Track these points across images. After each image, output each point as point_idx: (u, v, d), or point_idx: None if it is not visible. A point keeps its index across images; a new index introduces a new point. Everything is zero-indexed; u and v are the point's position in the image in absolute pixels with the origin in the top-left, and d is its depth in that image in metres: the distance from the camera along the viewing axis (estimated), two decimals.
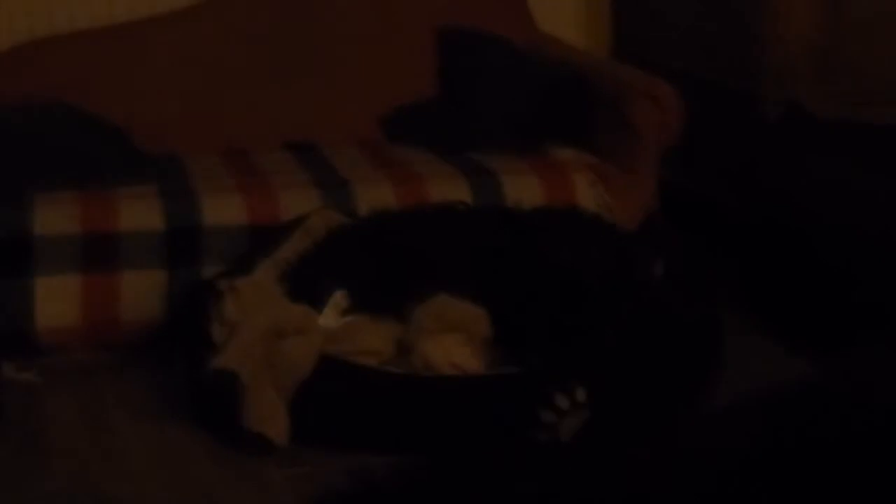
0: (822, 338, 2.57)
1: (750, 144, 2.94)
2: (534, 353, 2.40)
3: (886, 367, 1.97)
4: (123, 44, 3.08)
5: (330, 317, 2.42)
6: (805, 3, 3.08)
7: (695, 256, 2.69)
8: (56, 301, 2.62)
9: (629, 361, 2.44)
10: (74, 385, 2.54)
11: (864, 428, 1.71)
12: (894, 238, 2.67)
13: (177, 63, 3.02)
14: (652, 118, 2.78)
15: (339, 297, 2.41)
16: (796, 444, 1.62)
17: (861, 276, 2.73)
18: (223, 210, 2.62)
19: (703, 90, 2.98)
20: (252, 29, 3.16)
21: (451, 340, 2.45)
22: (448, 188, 2.70)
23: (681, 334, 2.50)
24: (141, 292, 2.64)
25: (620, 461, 1.88)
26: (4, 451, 2.30)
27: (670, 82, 2.93)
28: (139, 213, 2.64)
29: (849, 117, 2.90)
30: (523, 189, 2.74)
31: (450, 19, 3.12)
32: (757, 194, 2.86)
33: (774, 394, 1.83)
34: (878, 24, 3.15)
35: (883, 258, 2.70)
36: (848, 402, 1.79)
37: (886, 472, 1.50)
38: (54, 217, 2.62)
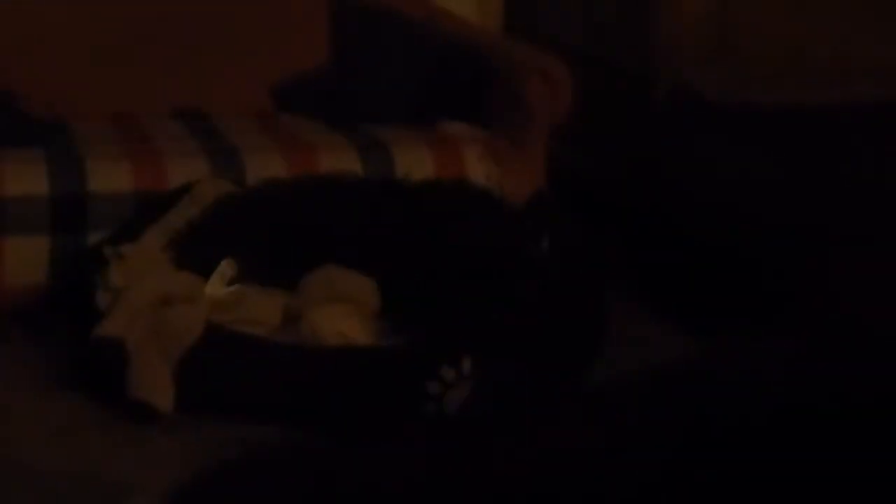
0: (705, 318, 2.60)
1: (638, 124, 2.95)
2: (421, 326, 2.39)
3: (770, 350, 1.98)
4: (14, 9, 2.93)
5: (217, 285, 2.41)
6: None
7: (581, 234, 2.67)
8: None
9: (515, 335, 2.43)
10: None
11: (749, 408, 1.74)
12: (778, 219, 2.65)
13: (67, 29, 2.99)
14: (542, 95, 2.81)
15: (225, 266, 2.41)
16: (680, 420, 1.64)
17: (745, 258, 2.75)
18: (110, 176, 2.62)
19: (595, 68, 2.96)
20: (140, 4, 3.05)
21: (339, 311, 2.44)
22: (338, 159, 2.73)
23: (565, 309, 2.45)
24: (25, 258, 2.63)
25: (505, 435, 1.89)
26: None
27: (562, 59, 2.87)
28: (24, 178, 2.63)
29: (736, 98, 2.87)
30: (414, 162, 2.75)
31: None
32: (642, 175, 2.84)
33: (659, 371, 1.85)
34: (764, 5, 3.20)
35: (767, 239, 2.72)
36: (733, 383, 1.81)
37: (765, 451, 1.52)
38: None
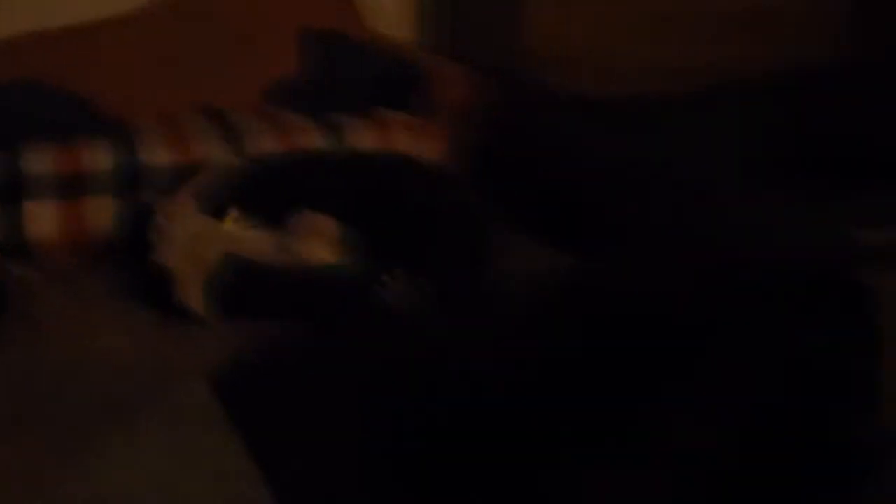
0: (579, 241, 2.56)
1: (519, 111, 2.96)
2: (369, 250, 2.47)
3: (616, 264, 2.04)
4: (86, 39, 2.99)
5: (230, 226, 2.47)
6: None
7: (479, 185, 2.70)
8: (40, 219, 2.58)
9: (433, 253, 2.45)
10: (62, 278, 2.54)
11: (605, 306, 1.82)
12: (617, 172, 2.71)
13: (125, 55, 2.99)
14: (448, 90, 2.87)
15: (234, 213, 2.46)
16: (554, 315, 1.74)
17: (593, 201, 2.66)
18: (155, 155, 2.65)
19: (490, 75, 2.98)
20: (172, 33, 3.10)
21: (317, 241, 2.51)
22: (309, 137, 2.80)
23: (468, 234, 2.52)
24: (100, 213, 2.63)
25: (434, 321, 1.98)
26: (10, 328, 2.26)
27: (462, 68, 3.01)
28: (97, 157, 2.61)
29: (584, 93, 2.94)
30: (361, 137, 2.82)
31: (305, 21, 3.11)
32: (517, 144, 2.91)
33: (537, 279, 1.93)
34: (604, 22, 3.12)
35: (608, 189, 2.66)
36: (592, 288, 1.90)
37: (620, 339, 1.61)
38: (39, 158, 2.58)
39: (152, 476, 0.92)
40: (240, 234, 2.49)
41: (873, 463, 1.82)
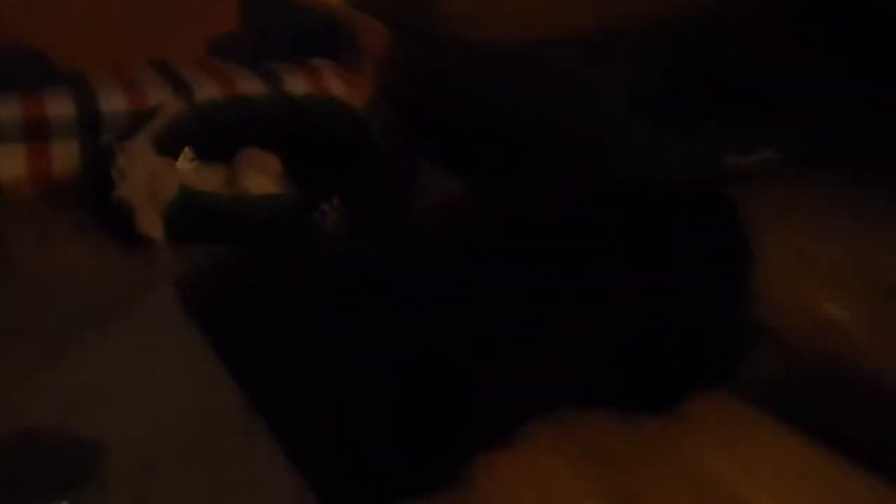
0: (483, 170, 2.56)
1: (430, 60, 2.94)
2: (309, 181, 2.50)
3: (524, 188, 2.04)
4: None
5: (183, 164, 2.48)
6: None
7: (400, 122, 2.70)
8: (10, 162, 2.53)
9: (362, 183, 2.48)
10: (29, 213, 2.53)
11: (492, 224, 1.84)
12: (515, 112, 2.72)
13: (81, 14, 2.93)
14: (371, 42, 2.87)
15: (187, 152, 2.48)
16: (458, 234, 1.75)
17: (496, 135, 2.67)
18: (113, 101, 2.63)
19: (406, 29, 2.97)
20: None
21: (259, 176, 2.54)
22: (249, 84, 2.81)
23: (391, 166, 2.55)
24: (64, 155, 2.60)
25: (356, 241, 1.99)
26: None
27: (383, 23, 2.97)
28: (60, 105, 2.59)
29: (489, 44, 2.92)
30: (296, 84, 2.81)
31: None
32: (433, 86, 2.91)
33: (448, 202, 1.94)
34: None
35: (509, 122, 2.68)
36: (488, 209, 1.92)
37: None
38: (7, 107, 2.53)
39: (129, 367, 0.94)
40: (192, 171, 2.52)
41: (736, 351, 1.85)
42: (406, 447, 1.56)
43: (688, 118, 2.81)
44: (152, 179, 2.38)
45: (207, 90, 2.73)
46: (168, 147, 2.51)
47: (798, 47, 3.12)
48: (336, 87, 2.83)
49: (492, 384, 1.63)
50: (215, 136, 2.57)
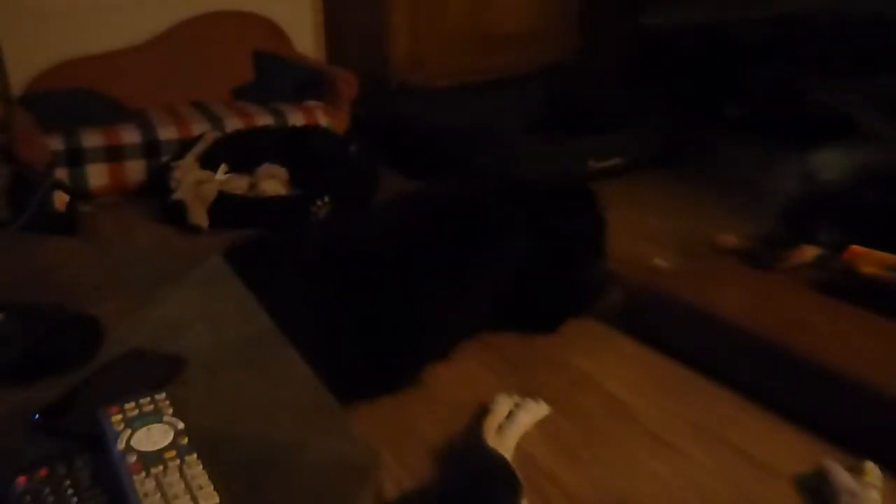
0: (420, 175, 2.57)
1: (384, 99, 2.89)
2: (308, 185, 2.50)
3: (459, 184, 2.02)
4: (115, 62, 2.87)
5: (220, 175, 2.48)
6: (404, 27, 2.99)
7: (368, 144, 2.67)
8: (96, 176, 2.49)
9: (341, 185, 2.44)
10: (112, 210, 2.50)
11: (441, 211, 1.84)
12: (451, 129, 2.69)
13: (140, 71, 2.89)
14: (346, 88, 2.85)
15: (223, 167, 2.47)
16: (412, 214, 1.76)
17: (437, 149, 2.65)
18: (168, 132, 2.61)
19: (366, 76, 2.92)
20: (170, 56, 2.99)
21: (273, 182, 2.54)
22: (263, 118, 2.75)
23: (361, 172, 2.54)
24: (135, 170, 2.55)
25: (346, 221, 1.98)
26: (83, 241, 2.19)
27: (352, 73, 2.92)
28: (130, 135, 2.55)
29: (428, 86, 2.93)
30: (296, 118, 2.78)
31: (255, 46, 3.04)
32: (387, 119, 2.90)
33: (404, 195, 1.96)
34: (436, 42, 3.02)
35: (445, 140, 2.67)
36: (433, 200, 1.92)
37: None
38: (93, 138, 2.48)
39: (195, 307, 0.95)
40: (226, 180, 2.51)
41: (597, 291, 1.89)
42: (378, 359, 1.55)
43: (562, 136, 2.89)
44: (198, 186, 2.36)
45: (234, 123, 2.69)
46: (209, 163, 2.50)
47: (632, 88, 3.20)
48: (323, 119, 2.80)
49: (434, 316, 1.62)
50: (241, 155, 2.56)
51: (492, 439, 1.38)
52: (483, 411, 1.50)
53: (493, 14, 3.11)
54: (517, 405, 1.50)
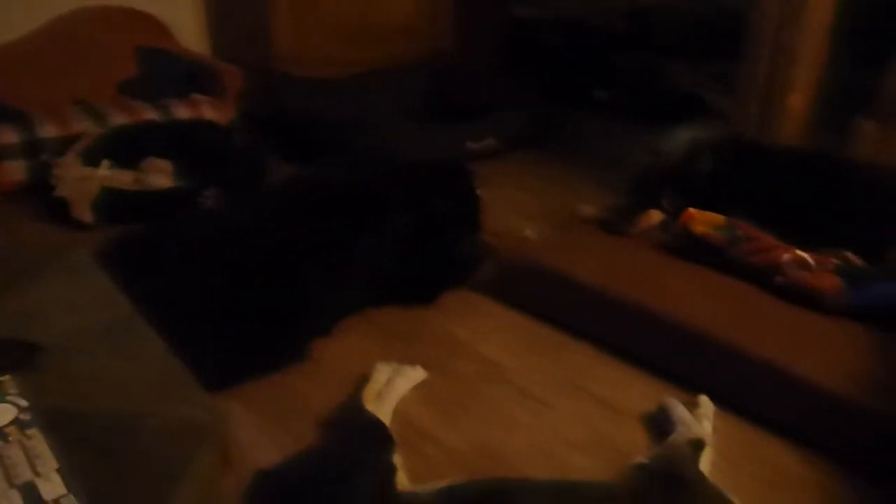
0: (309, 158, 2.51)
1: (269, 93, 2.85)
2: (195, 177, 2.43)
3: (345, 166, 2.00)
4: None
5: (103, 171, 2.38)
6: (286, 20, 2.94)
7: (251, 130, 2.64)
8: None
9: (232, 172, 2.41)
10: None
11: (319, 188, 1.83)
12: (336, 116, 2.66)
13: (19, 66, 2.73)
14: (231, 80, 2.80)
15: (105, 162, 2.38)
16: (301, 191, 1.75)
17: (327, 138, 2.60)
18: (46, 130, 2.48)
19: (253, 69, 2.86)
20: (51, 51, 2.83)
21: (159, 175, 2.45)
22: (148, 113, 2.63)
23: (249, 157, 2.49)
24: (15, 170, 2.41)
25: (235, 204, 1.92)
26: None
27: (238, 66, 2.86)
28: (7, 134, 2.41)
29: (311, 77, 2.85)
30: (181, 112, 2.69)
31: (139, 41, 2.91)
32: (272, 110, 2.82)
33: (295, 179, 1.91)
34: (319, 35, 2.98)
35: (331, 129, 2.61)
36: (316, 182, 1.90)
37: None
38: None
39: (56, 296, 0.93)
40: (110, 175, 2.40)
41: (473, 264, 1.93)
42: (265, 338, 1.55)
43: (441, 122, 2.93)
44: (81, 182, 2.26)
45: (118, 118, 2.56)
46: (91, 159, 2.39)
47: (506, 76, 3.28)
48: (209, 113, 2.71)
49: (318, 294, 1.63)
50: (125, 150, 2.45)
51: (371, 405, 1.41)
52: (364, 380, 1.53)
53: (373, 7, 3.10)
54: (395, 371, 1.54)
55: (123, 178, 2.41)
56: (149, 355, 0.82)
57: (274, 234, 1.68)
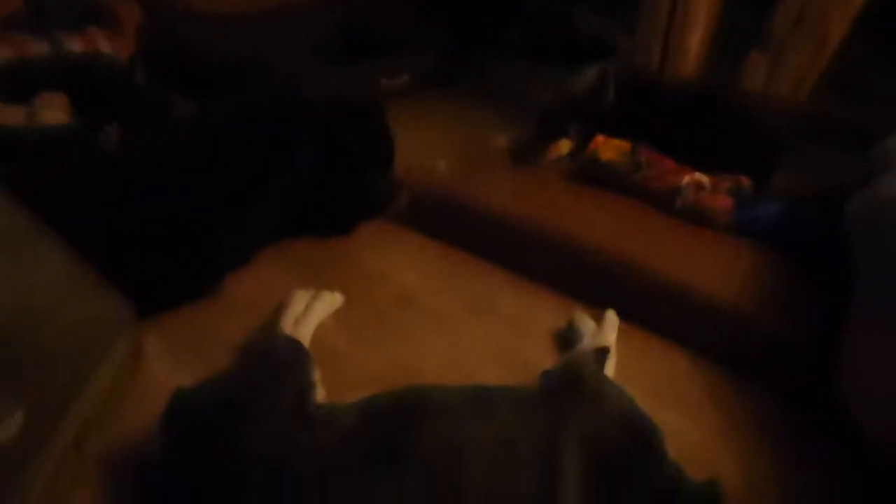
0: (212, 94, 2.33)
1: (170, 29, 2.68)
2: (92, 112, 2.31)
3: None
4: None
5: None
6: None
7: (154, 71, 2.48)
8: None
9: (132, 108, 2.30)
10: None
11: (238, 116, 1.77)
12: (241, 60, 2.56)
13: None
14: (128, 16, 2.64)
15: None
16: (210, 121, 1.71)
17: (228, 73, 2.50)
18: None
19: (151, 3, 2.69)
20: None
21: (53, 111, 2.31)
22: (38, 47, 2.41)
23: (150, 96, 2.41)
24: None
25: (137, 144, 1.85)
26: None
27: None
28: None
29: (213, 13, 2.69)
30: (74, 45, 2.49)
31: None
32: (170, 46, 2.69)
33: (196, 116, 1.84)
34: None
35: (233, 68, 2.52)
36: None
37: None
38: None
39: None
40: (2, 110, 2.26)
41: (387, 197, 1.94)
42: (176, 272, 1.54)
43: (354, 58, 2.88)
44: None
45: (2, 52, 2.44)
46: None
47: (418, 15, 3.24)
48: (105, 46, 2.55)
49: (229, 228, 1.62)
50: (15, 85, 2.31)
51: (289, 329, 1.42)
52: (282, 307, 1.54)
53: None
54: (314, 297, 1.54)
55: (14, 114, 2.26)
56: (54, 259, 0.79)
57: (182, 168, 1.65)
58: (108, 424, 1.14)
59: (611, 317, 1.48)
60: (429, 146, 2.38)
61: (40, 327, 0.64)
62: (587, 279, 1.62)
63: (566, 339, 1.49)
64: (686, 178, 1.68)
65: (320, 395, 1.19)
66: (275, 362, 1.17)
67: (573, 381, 1.13)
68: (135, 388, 1.26)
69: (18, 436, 0.56)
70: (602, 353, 1.32)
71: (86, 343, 0.63)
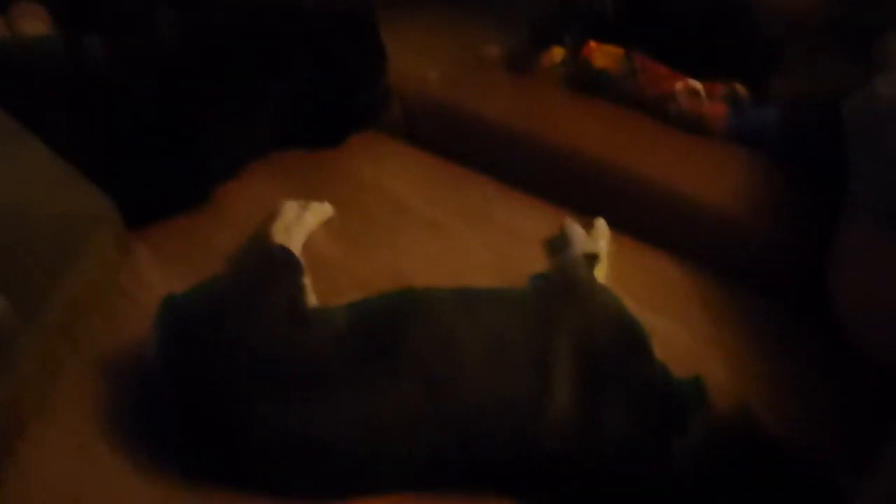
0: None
1: None
2: (74, 23, 2.21)
3: None
4: None
5: None
6: None
7: None
8: None
9: (113, 18, 2.19)
10: None
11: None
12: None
13: None
14: None
15: None
16: None
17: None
18: None
19: None
20: None
21: (32, 20, 2.21)
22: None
23: (133, 7, 2.32)
24: None
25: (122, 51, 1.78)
26: None
27: None
28: None
29: None
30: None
31: None
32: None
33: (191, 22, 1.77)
34: None
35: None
36: None
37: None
38: None
39: None
40: None
41: (379, 107, 1.88)
42: (166, 182, 1.52)
43: None
44: None
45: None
46: None
47: None
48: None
49: (218, 137, 1.60)
50: None
51: (279, 238, 1.41)
52: (272, 216, 1.53)
53: None
54: (304, 207, 1.54)
55: None
56: (32, 156, 0.78)
57: (170, 77, 1.61)
58: (101, 330, 1.16)
59: (601, 225, 1.48)
60: (421, 55, 2.33)
61: (19, 221, 0.63)
62: (581, 188, 1.61)
63: (557, 247, 1.49)
64: (679, 84, 1.65)
65: (312, 301, 1.20)
66: (267, 265, 1.18)
67: (564, 282, 1.13)
68: (127, 296, 1.27)
69: (1, 318, 0.57)
70: (592, 258, 1.32)
71: (65, 235, 0.62)
